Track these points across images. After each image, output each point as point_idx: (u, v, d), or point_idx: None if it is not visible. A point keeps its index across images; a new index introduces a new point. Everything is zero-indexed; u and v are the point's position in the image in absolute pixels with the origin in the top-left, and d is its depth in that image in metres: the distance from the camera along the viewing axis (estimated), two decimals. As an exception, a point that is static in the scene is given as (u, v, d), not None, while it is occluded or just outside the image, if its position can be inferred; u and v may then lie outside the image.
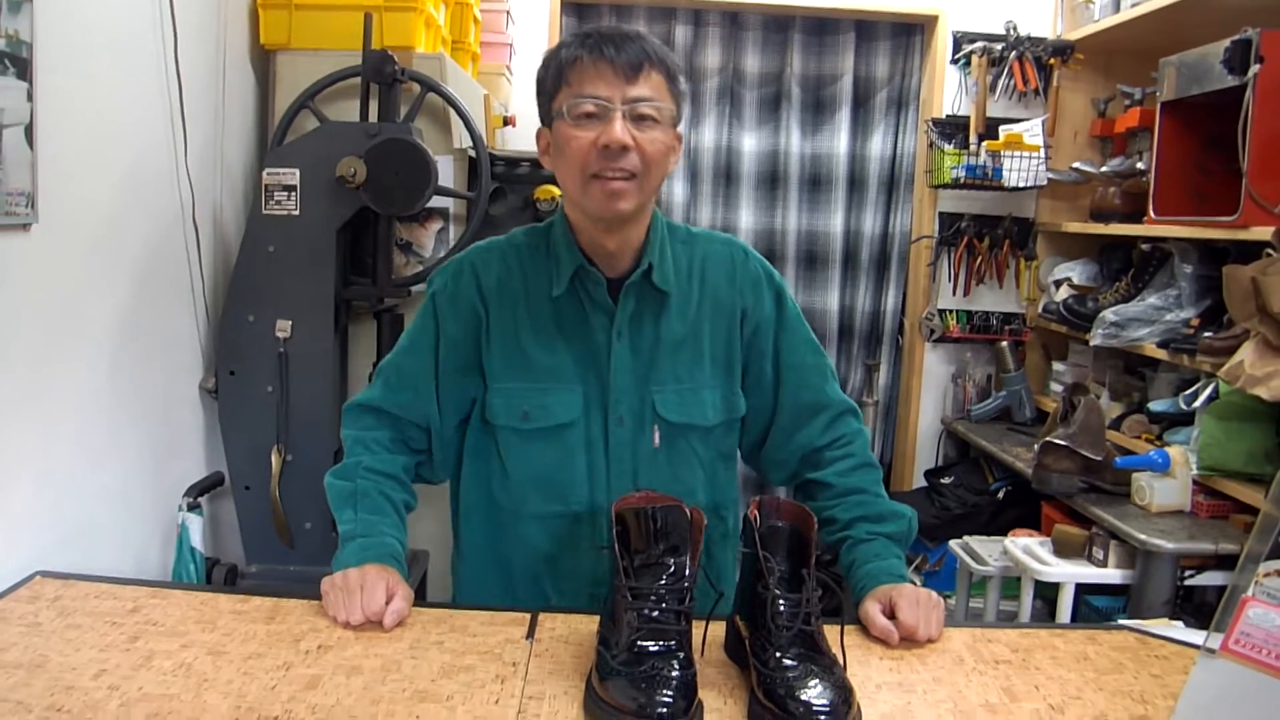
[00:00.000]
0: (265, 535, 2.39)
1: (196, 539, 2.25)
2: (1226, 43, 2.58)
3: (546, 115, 1.54)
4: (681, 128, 1.56)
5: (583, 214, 1.55)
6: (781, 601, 1.26)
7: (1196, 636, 1.52)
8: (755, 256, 1.68)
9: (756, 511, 1.33)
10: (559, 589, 1.63)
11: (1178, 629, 1.62)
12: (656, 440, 1.59)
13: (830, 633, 1.30)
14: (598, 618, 1.35)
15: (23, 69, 1.62)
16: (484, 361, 1.59)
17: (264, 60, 2.67)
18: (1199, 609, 2.62)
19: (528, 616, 1.50)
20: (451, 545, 1.74)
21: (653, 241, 1.58)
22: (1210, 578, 2.58)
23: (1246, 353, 2.43)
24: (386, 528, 1.53)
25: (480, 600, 1.65)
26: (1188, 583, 2.58)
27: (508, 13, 3.58)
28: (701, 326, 1.60)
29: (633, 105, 1.45)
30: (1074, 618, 2.69)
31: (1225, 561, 2.54)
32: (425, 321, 1.62)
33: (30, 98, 1.64)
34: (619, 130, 1.43)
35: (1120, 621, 1.68)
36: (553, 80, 1.50)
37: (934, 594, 1.49)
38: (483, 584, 1.68)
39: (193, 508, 2.27)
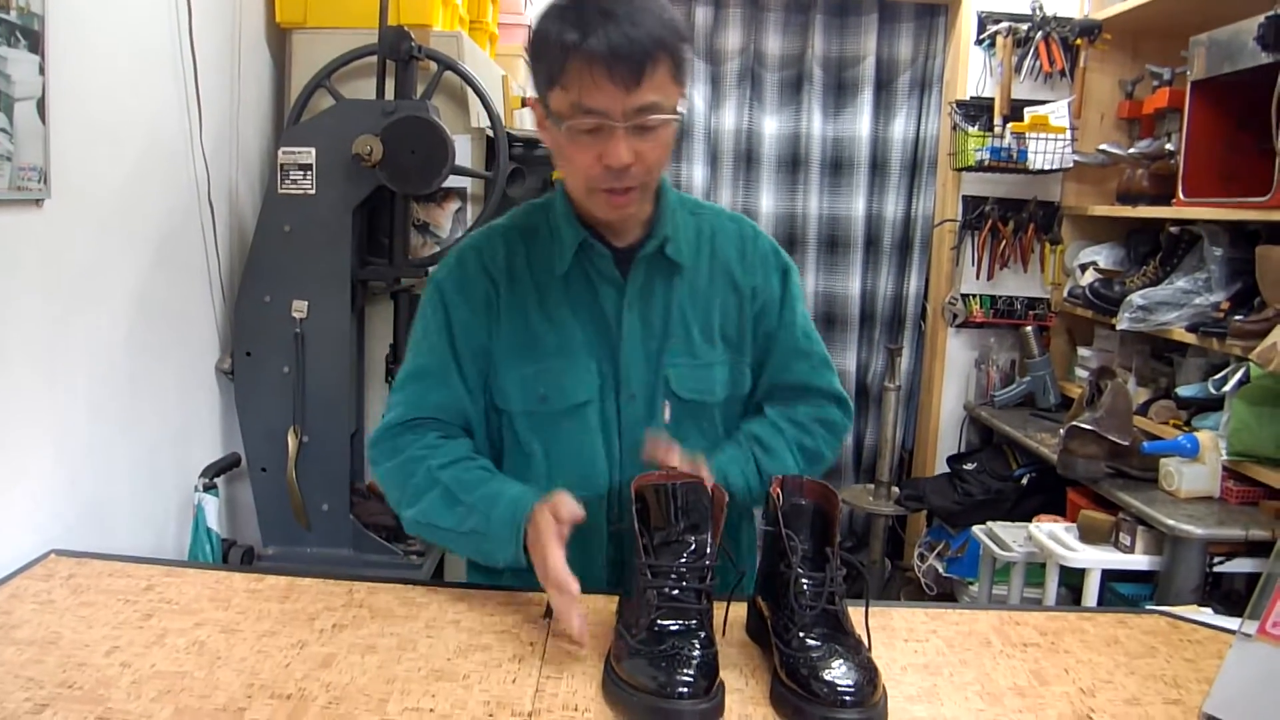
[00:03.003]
0: (282, 517, 2.38)
1: (212, 520, 2.24)
2: (1260, 19, 2.52)
3: (542, 99, 1.40)
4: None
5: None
6: (805, 580, 1.23)
7: (1229, 622, 1.49)
8: (764, 234, 1.63)
9: (779, 489, 1.30)
10: (577, 570, 1.56)
11: (1207, 615, 1.58)
12: (667, 416, 1.53)
13: (854, 615, 1.27)
14: (616, 598, 1.32)
15: (34, 42, 1.61)
16: (492, 344, 1.52)
17: (279, 38, 2.65)
18: (1228, 596, 2.58)
19: (545, 595, 1.47)
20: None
21: (664, 212, 1.52)
22: (1240, 564, 2.53)
23: (1279, 335, 2.39)
24: (501, 487, 1.42)
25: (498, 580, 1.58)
26: (1216, 569, 2.54)
27: (526, -7, 3.55)
28: (713, 301, 1.55)
29: (635, 119, 1.33)
30: (1100, 605, 2.65)
31: (1256, 548, 2.49)
32: (433, 313, 1.53)
33: (42, 71, 1.63)
34: (622, 152, 1.34)
35: (1149, 607, 1.64)
36: (546, 70, 1.36)
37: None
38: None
39: (209, 489, 2.26)
